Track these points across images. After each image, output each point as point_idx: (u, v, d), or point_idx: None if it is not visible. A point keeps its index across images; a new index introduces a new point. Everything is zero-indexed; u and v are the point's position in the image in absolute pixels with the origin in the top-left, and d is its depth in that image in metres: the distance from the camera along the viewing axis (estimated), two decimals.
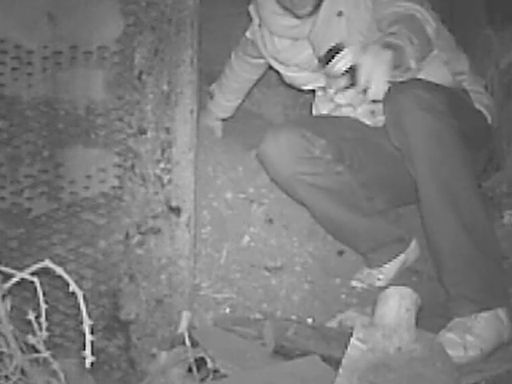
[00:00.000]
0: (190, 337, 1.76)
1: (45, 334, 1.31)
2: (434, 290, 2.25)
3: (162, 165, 1.92)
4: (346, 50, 2.00)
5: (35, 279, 1.30)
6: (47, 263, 1.32)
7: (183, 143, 1.93)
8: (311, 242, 2.39)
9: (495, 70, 2.74)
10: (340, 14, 2.31)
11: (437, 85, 2.16)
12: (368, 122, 2.40)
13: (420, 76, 2.16)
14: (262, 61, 2.69)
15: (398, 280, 2.30)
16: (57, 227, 1.89)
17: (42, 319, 1.30)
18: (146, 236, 1.92)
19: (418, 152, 2.02)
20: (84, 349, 1.29)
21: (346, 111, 2.43)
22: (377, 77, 1.92)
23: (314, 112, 2.52)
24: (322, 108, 2.49)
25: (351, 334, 1.60)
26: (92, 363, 1.29)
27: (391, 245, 2.33)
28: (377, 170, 2.36)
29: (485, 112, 2.36)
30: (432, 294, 2.23)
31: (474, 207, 2.03)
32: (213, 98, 2.85)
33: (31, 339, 1.31)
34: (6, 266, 1.35)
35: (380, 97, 1.96)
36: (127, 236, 1.91)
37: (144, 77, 1.89)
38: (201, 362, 1.73)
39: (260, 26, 2.54)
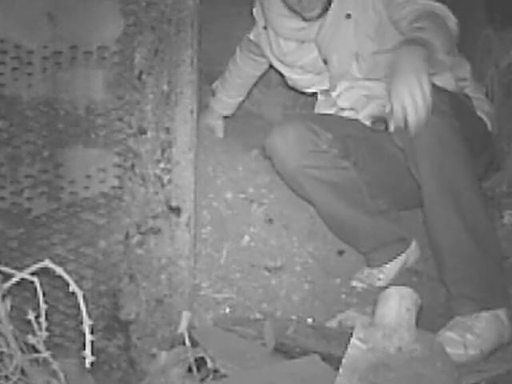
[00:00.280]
0: (189, 337, 1.76)
1: (45, 333, 1.31)
2: (434, 290, 2.25)
3: (162, 165, 1.92)
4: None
5: (35, 279, 1.30)
6: (47, 263, 1.32)
7: (183, 143, 1.93)
8: (311, 242, 2.39)
9: (495, 70, 2.74)
10: (348, 16, 2.32)
11: (440, 87, 2.16)
12: (370, 126, 2.41)
13: None
14: (265, 58, 2.69)
15: (399, 280, 2.30)
16: (57, 227, 1.89)
17: (42, 319, 1.30)
18: (146, 236, 1.92)
19: (420, 151, 2.02)
20: (84, 349, 1.29)
21: (348, 115, 2.44)
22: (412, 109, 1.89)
23: None
24: (324, 111, 2.49)
25: (351, 334, 1.60)
26: (92, 363, 1.29)
27: (392, 244, 2.33)
28: (380, 171, 2.36)
29: (485, 119, 2.37)
30: (432, 293, 2.23)
31: (476, 206, 2.03)
32: (215, 94, 2.85)
33: (31, 339, 1.31)
34: (6, 265, 1.35)
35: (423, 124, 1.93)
36: (127, 236, 1.91)
37: (144, 77, 1.89)
38: (201, 362, 1.73)
39: (265, 28, 2.54)
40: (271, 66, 2.68)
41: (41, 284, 1.30)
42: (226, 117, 2.90)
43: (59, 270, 1.31)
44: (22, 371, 1.35)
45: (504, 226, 2.46)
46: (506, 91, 2.68)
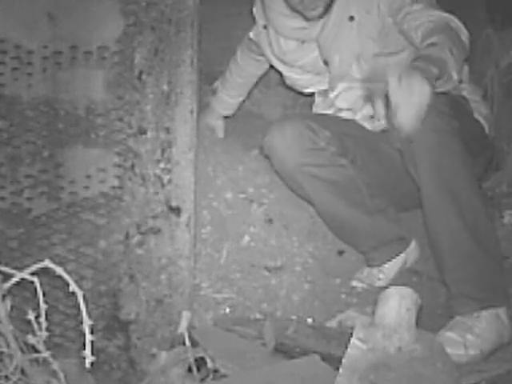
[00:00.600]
0: (189, 337, 1.75)
1: (45, 333, 1.31)
2: (434, 290, 2.25)
3: (162, 165, 1.92)
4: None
5: (35, 279, 1.30)
6: (47, 263, 1.32)
7: (183, 143, 1.93)
8: (311, 242, 2.39)
9: (495, 70, 2.74)
10: (351, 18, 2.32)
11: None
12: (367, 127, 2.41)
13: None
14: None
15: (399, 280, 2.30)
16: (57, 227, 1.89)
17: (42, 319, 1.30)
18: (146, 236, 1.92)
19: (419, 151, 2.02)
20: (84, 349, 1.29)
21: (346, 115, 2.44)
22: (409, 117, 1.83)
23: None
24: (321, 112, 2.49)
25: (351, 334, 1.60)
26: (92, 363, 1.29)
27: (392, 244, 2.33)
28: (379, 171, 2.37)
29: (482, 121, 2.36)
30: (432, 293, 2.23)
31: (475, 206, 2.03)
32: (215, 93, 2.85)
33: (31, 339, 1.31)
34: (6, 265, 1.35)
35: (411, 133, 1.88)
36: (127, 236, 1.91)
37: (144, 77, 1.89)
38: (201, 362, 1.73)
39: (265, 27, 2.54)
40: (271, 66, 2.68)
41: (41, 284, 1.30)
42: (226, 117, 2.90)
43: (59, 270, 1.31)
44: (22, 371, 1.35)
45: (504, 226, 2.46)
46: (506, 91, 2.68)
